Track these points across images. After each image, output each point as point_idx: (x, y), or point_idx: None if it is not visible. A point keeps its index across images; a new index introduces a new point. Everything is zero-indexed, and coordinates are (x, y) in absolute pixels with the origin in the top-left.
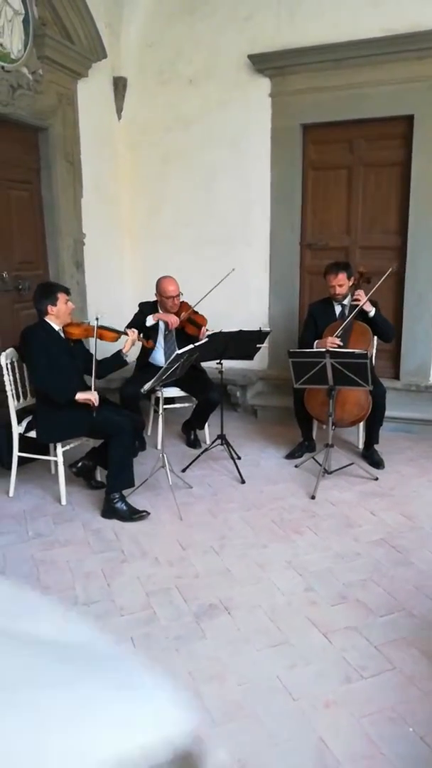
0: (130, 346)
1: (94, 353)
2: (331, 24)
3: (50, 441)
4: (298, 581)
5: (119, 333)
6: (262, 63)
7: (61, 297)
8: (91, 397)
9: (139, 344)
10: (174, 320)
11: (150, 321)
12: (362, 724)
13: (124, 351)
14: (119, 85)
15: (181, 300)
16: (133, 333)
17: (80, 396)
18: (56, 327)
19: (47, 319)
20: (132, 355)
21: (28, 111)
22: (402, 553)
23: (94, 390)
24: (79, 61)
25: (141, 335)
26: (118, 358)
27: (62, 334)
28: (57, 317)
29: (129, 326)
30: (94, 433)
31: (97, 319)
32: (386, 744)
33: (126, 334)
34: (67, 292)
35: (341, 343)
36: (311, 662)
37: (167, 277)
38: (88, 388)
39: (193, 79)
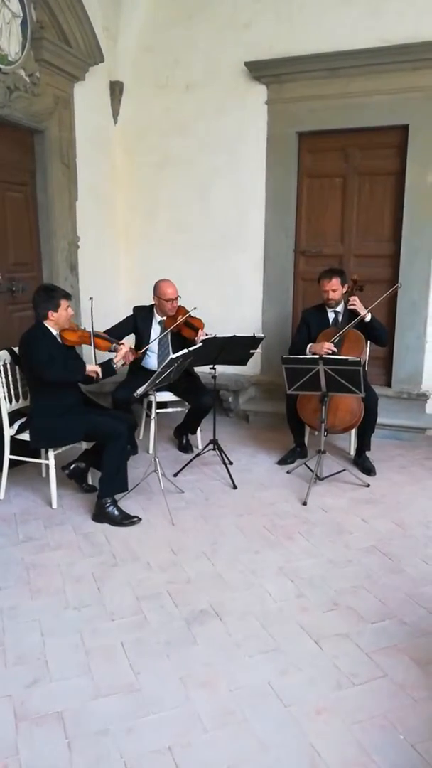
0: (121, 357)
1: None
2: (328, 33)
3: (45, 447)
4: (289, 587)
5: (111, 343)
6: (259, 70)
7: (63, 303)
8: (97, 369)
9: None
10: (129, 359)
11: (117, 360)
12: (353, 731)
13: (115, 360)
14: (116, 90)
15: (178, 304)
16: (126, 345)
17: (89, 368)
18: (54, 331)
19: (46, 323)
20: (119, 365)
21: (25, 113)
22: (393, 560)
23: (86, 394)
24: (76, 64)
25: (131, 348)
26: (109, 367)
27: (59, 339)
28: (56, 323)
29: (115, 329)
30: (91, 438)
31: (91, 299)
32: (377, 751)
33: (119, 345)
34: (68, 297)
35: (336, 350)
36: (302, 669)
37: (166, 280)
38: (81, 393)
39: (190, 84)
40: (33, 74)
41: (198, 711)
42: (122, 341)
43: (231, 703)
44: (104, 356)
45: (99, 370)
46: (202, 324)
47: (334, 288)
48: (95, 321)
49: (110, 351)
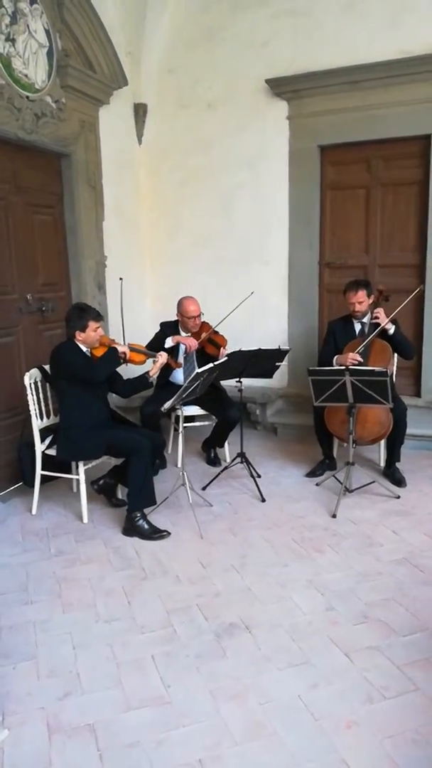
0: (158, 369)
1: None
2: (347, 47)
3: (68, 459)
4: (319, 600)
5: (148, 355)
6: (280, 87)
7: (91, 325)
8: (125, 349)
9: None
10: (193, 343)
11: (169, 343)
12: (384, 745)
13: (150, 373)
14: (140, 111)
15: (201, 320)
16: (163, 356)
17: (120, 349)
18: (84, 348)
19: (75, 341)
20: (154, 378)
21: (52, 138)
22: (425, 572)
23: (114, 410)
24: (101, 89)
25: (170, 356)
26: (143, 381)
27: (89, 354)
28: (84, 342)
29: (150, 346)
30: (114, 452)
31: (120, 279)
32: (409, 765)
33: (156, 357)
34: (98, 318)
35: (362, 360)
36: (333, 682)
37: (189, 297)
38: (108, 408)
39: (211, 103)
40: (59, 100)
41: (228, 724)
42: (160, 353)
43: (261, 716)
44: (137, 369)
45: (126, 350)
46: (225, 341)
47: (360, 300)
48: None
49: (150, 360)
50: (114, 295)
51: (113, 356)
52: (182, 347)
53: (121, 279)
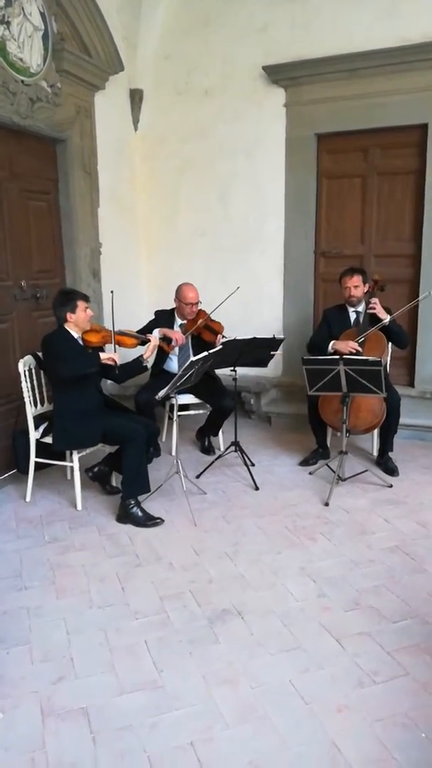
0: (152, 351)
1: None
2: (345, 34)
3: (65, 449)
4: (311, 587)
5: (139, 339)
6: (277, 74)
7: (81, 304)
8: (113, 355)
9: (156, 350)
10: (180, 338)
11: (156, 334)
12: (374, 728)
13: (144, 357)
14: (136, 97)
15: (198, 308)
16: (155, 338)
17: (103, 356)
18: (75, 334)
19: (66, 326)
20: (151, 361)
21: (47, 123)
22: (416, 560)
23: (109, 396)
24: (97, 74)
25: (162, 339)
26: (137, 364)
27: (81, 342)
28: (76, 324)
29: (142, 332)
30: (109, 440)
31: (111, 292)
32: (399, 749)
33: (148, 340)
34: (86, 299)
35: (360, 350)
36: (324, 667)
37: (188, 283)
38: (102, 395)
39: (208, 90)
40: (54, 85)
41: (220, 708)
42: (154, 331)
43: (253, 700)
44: (131, 354)
45: (116, 357)
46: (222, 327)
47: (356, 284)
48: (117, 320)
49: (141, 345)
50: (108, 284)
51: (88, 362)
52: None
53: (112, 292)
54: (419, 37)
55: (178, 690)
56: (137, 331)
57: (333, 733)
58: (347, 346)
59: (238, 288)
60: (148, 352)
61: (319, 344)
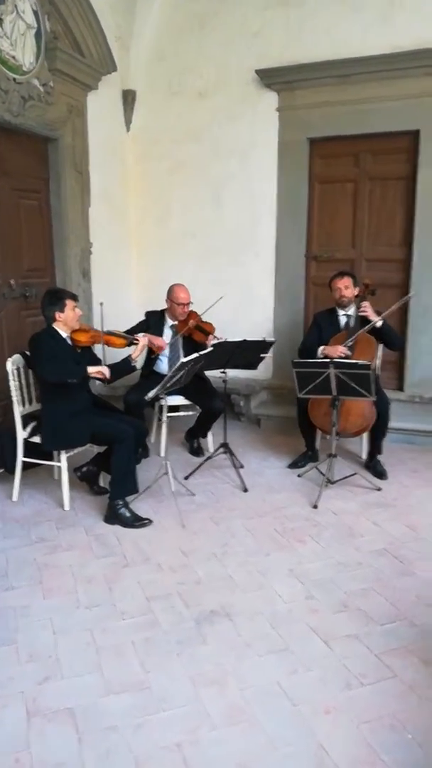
0: (140, 351)
1: (103, 358)
2: (339, 39)
3: (54, 449)
4: (299, 589)
5: (127, 339)
6: (270, 78)
7: (69, 303)
8: (102, 369)
9: (146, 351)
10: (162, 344)
11: (141, 341)
12: (362, 730)
13: (132, 357)
14: (128, 98)
15: (189, 309)
16: (144, 338)
17: (91, 369)
18: (64, 334)
19: (55, 326)
20: (140, 361)
21: (39, 122)
22: (404, 563)
23: (98, 396)
24: (90, 73)
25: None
26: (126, 364)
27: (69, 342)
28: (65, 324)
29: (129, 333)
30: (98, 440)
31: (101, 304)
32: (385, 750)
33: (136, 340)
34: (74, 298)
35: (350, 353)
36: (312, 669)
37: (180, 284)
38: (91, 394)
39: (201, 92)
40: (47, 84)
41: (207, 709)
42: (140, 335)
43: (240, 702)
44: (120, 354)
45: (106, 371)
46: (213, 328)
47: (347, 285)
48: (107, 325)
49: (129, 346)
50: (98, 283)
51: (72, 372)
52: (168, 333)
53: (101, 304)
54: (412, 43)
55: (165, 691)
56: (126, 331)
57: (321, 735)
58: (336, 351)
59: (221, 297)
60: (136, 353)
61: (309, 349)
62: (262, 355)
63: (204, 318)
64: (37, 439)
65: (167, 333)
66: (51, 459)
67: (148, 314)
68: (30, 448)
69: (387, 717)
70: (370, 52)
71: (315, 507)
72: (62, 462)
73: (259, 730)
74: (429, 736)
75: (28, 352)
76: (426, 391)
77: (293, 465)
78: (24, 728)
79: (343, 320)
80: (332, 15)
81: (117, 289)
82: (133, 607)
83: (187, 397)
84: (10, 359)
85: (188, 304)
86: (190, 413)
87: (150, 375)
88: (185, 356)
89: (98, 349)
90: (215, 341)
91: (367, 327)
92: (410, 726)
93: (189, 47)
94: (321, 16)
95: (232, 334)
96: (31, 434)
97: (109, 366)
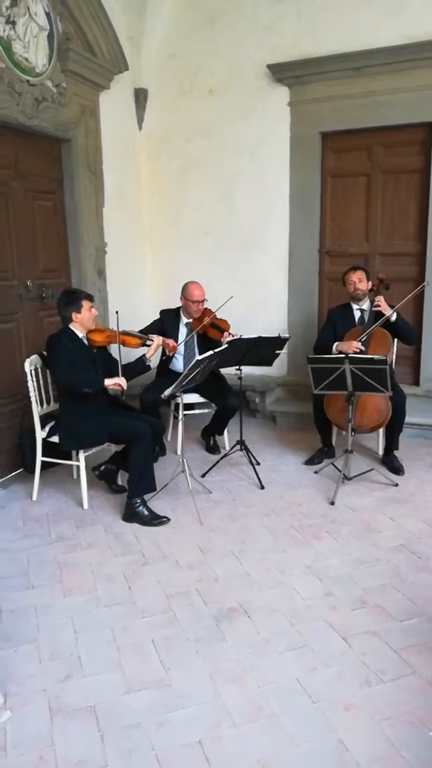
0: (154, 351)
1: (119, 358)
2: (350, 32)
3: (72, 448)
4: (317, 586)
5: (142, 339)
6: (282, 72)
7: (85, 304)
8: (120, 381)
9: (160, 350)
10: (173, 345)
11: (154, 342)
12: (382, 727)
13: (147, 356)
14: (140, 97)
15: (204, 306)
16: (158, 338)
17: (108, 382)
18: (80, 334)
19: (71, 326)
20: (153, 360)
21: (52, 123)
22: (422, 559)
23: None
24: (102, 73)
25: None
26: (140, 363)
27: (86, 341)
28: (81, 324)
29: (144, 331)
30: (115, 439)
31: (117, 312)
32: (406, 747)
33: (151, 340)
34: (90, 298)
35: (364, 348)
36: (331, 665)
37: (194, 282)
38: (108, 395)
39: (213, 89)
40: (60, 85)
41: (227, 706)
42: (154, 335)
43: (260, 699)
44: (135, 354)
45: (123, 382)
46: (228, 325)
47: (360, 278)
48: (122, 318)
49: (144, 346)
50: (113, 283)
51: (88, 382)
52: (183, 330)
53: (117, 312)
54: (425, 34)
55: (185, 688)
56: (140, 331)
57: (340, 732)
58: (350, 347)
59: (231, 297)
60: (151, 352)
61: (325, 345)
62: (277, 352)
63: (218, 315)
64: (55, 439)
65: (182, 331)
66: (69, 458)
67: (163, 313)
68: (48, 448)
69: (406, 713)
70: (382, 43)
71: (332, 503)
72: (81, 461)
73: (279, 726)
74: None
75: (45, 353)
76: None
77: (309, 461)
78: (47, 726)
79: (357, 315)
80: (343, 7)
81: (132, 288)
82: (153, 605)
83: (202, 395)
84: (28, 360)
85: (203, 301)
86: (206, 411)
87: (166, 373)
88: (200, 354)
89: (113, 348)
90: (230, 338)
91: (381, 320)
92: (430, 722)
93: (200, 44)
94: (331, 8)
95: (247, 330)
96: (50, 434)
97: (123, 366)
